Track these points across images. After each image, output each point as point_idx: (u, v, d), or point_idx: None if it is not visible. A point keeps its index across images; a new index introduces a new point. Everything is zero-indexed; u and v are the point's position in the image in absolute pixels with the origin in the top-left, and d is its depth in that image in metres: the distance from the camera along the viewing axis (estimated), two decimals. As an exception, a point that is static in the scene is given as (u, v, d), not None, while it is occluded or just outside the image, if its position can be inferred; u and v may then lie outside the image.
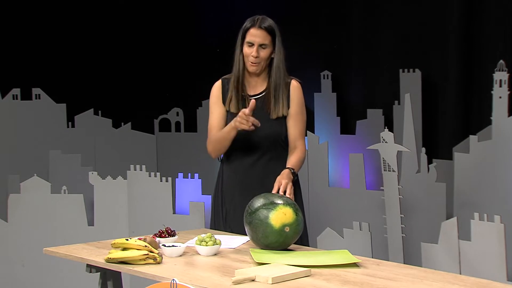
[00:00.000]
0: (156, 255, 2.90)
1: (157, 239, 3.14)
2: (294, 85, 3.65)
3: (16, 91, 6.34)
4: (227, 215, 3.69)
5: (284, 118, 3.63)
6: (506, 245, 4.18)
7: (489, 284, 2.57)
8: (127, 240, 2.96)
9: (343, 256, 2.94)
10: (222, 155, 3.75)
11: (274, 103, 3.61)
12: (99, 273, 3.14)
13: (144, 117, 6.94)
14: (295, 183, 3.56)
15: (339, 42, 6.39)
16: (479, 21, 5.52)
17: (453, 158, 5.30)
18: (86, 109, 6.67)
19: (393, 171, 4.98)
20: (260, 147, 3.62)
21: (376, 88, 6.25)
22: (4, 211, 5.41)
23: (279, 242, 3.05)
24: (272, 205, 3.07)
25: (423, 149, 5.36)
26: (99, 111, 6.70)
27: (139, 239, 3.00)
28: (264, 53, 3.58)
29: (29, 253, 5.31)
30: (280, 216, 3.04)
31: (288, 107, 3.63)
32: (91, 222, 5.34)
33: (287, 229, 3.04)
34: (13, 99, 6.34)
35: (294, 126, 3.64)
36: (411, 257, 4.97)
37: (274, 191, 3.39)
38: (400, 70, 5.90)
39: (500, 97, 4.93)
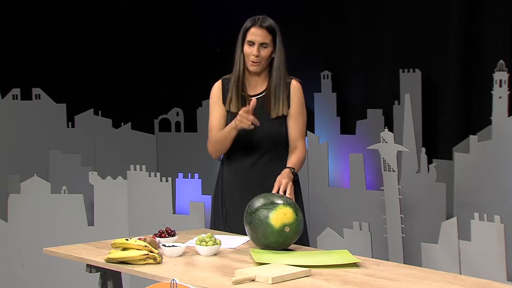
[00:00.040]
0: (156, 255, 2.90)
1: (157, 239, 3.14)
2: (294, 85, 3.66)
3: (16, 91, 6.34)
4: (227, 215, 3.69)
5: (284, 118, 3.63)
6: (506, 245, 4.18)
7: (489, 284, 2.57)
8: (127, 240, 2.96)
9: (343, 256, 2.94)
10: (222, 155, 3.75)
11: (274, 103, 3.61)
12: (99, 273, 3.14)
13: (144, 117, 6.94)
14: (295, 183, 3.56)
15: (339, 42, 6.39)
16: (479, 21, 5.52)
17: (453, 158, 5.30)
18: (86, 109, 6.67)
19: (393, 171, 4.98)
20: (260, 147, 3.62)
21: (376, 88, 6.25)
22: (4, 211, 5.41)
23: (279, 242, 3.05)
24: (272, 205, 3.07)
25: (423, 149, 5.36)
26: (99, 111, 6.70)
27: (139, 239, 3.00)
28: (265, 52, 3.58)
29: (29, 253, 5.31)
30: (280, 216, 3.04)
31: (288, 107, 3.63)
32: (91, 222, 5.34)
33: (287, 229, 3.04)
34: (13, 99, 6.34)
35: (295, 126, 3.64)
36: (411, 257, 4.97)
37: (274, 190, 3.39)
38: (400, 70, 5.90)
39: (500, 97, 4.93)
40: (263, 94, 3.65)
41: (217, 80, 3.75)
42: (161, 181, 5.33)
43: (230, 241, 3.28)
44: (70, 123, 6.59)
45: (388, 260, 4.13)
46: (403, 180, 5.35)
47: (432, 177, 5.29)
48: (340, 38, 6.38)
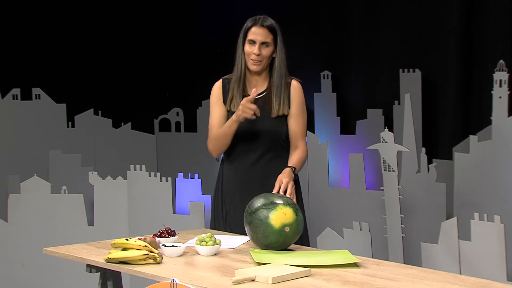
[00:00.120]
0: (156, 255, 2.90)
1: (157, 239, 3.14)
2: (295, 85, 3.66)
3: (16, 91, 6.34)
4: (227, 215, 3.69)
5: (285, 117, 3.64)
6: (506, 245, 4.18)
7: (489, 284, 2.57)
8: (127, 240, 2.96)
9: (343, 256, 2.94)
10: (222, 155, 3.75)
11: (275, 102, 3.61)
12: (99, 273, 3.14)
13: (144, 117, 6.94)
14: (295, 182, 3.56)
15: (339, 42, 6.39)
16: (479, 21, 5.52)
17: (453, 158, 5.30)
18: (86, 109, 6.67)
19: (393, 171, 4.98)
20: (261, 146, 3.62)
21: (376, 88, 6.25)
22: (4, 211, 5.41)
23: (279, 242, 3.05)
24: (272, 205, 3.07)
25: (423, 149, 5.36)
26: (99, 111, 6.70)
27: (139, 239, 3.00)
28: (266, 51, 3.58)
29: (29, 253, 5.31)
30: (280, 216, 3.04)
31: (289, 106, 3.64)
32: (91, 222, 5.34)
33: (287, 229, 3.04)
34: (13, 99, 6.34)
35: (295, 126, 3.65)
36: (411, 257, 4.97)
37: (275, 190, 3.39)
38: (400, 70, 5.90)
39: (500, 97, 4.93)
40: (264, 93, 3.65)
41: (217, 80, 3.75)
42: (161, 181, 5.33)
43: (230, 241, 3.28)
44: (70, 123, 6.59)
45: (388, 260, 4.13)
46: (403, 180, 5.35)
47: (432, 177, 5.29)
48: (340, 38, 6.38)
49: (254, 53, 3.57)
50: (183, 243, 3.13)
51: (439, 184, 5.25)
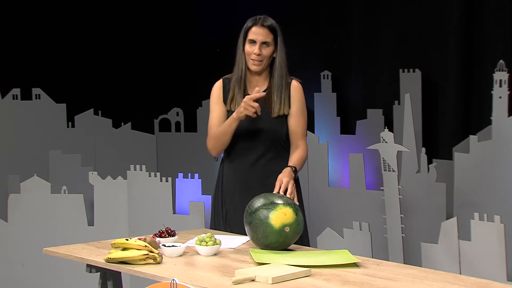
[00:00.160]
0: (156, 255, 2.90)
1: (157, 239, 3.14)
2: (295, 85, 3.66)
3: (16, 91, 6.34)
4: (227, 215, 3.69)
5: (285, 117, 3.64)
6: (506, 245, 4.18)
7: (489, 284, 2.57)
8: (127, 240, 2.96)
9: (343, 256, 2.94)
10: (222, 155, 3.75)
11: (275, 102, 3.61)
12: (99, 273, 3.14)
13: (144, 117, 6.94)
14: (295, 182, 3.55)
15: (339, 42, 6.39)
16: (479, 21, 5.52)
17: (453, 158, 5.30)
18: (86, 109, 6.67)
19: (393, 171, 4.98)
20: (261, 146, 3.62)
21: (376, 88, 6.25)
22: (4, 211, 5.41)
23: (279, 242, 3.05)
24: (272, 205, 3.07)
25: (423, 149, 5.36)
26: (99, 111, 6.70)
27: (139, 239, 3.00)
28: (267, 51, 3.59)
29: (29, 253, 5.31)
30: (280, 216, 3.04)
31: (289, 106, 3.64)
32: (91, 222, 5.34)
33: (287, 229, 3.04)
34: (13, 99, 6.34)
35: (296, 126, 3.65)
36: (411, 257, 4.97)
37: (275, 189, 3.39)
38: (400, 70, 5.90)
39: (500, 97, 4.93)
40: (264, 93, 3.65)
41: (217, 80, 3.76)
42: (161, 181, 5.33)
43: (230, 241, 3.28)
44: (70, 123, 6.59)
45: (388, 260, 4.13)
46: (403, 180, 5.35)
47: (432, 177, 5.29)
48: (340, 38, 6.38)
49: (254, 53, 3.57)
50: (183, 243, 3.13)
51: (439, 184, 5.25)
